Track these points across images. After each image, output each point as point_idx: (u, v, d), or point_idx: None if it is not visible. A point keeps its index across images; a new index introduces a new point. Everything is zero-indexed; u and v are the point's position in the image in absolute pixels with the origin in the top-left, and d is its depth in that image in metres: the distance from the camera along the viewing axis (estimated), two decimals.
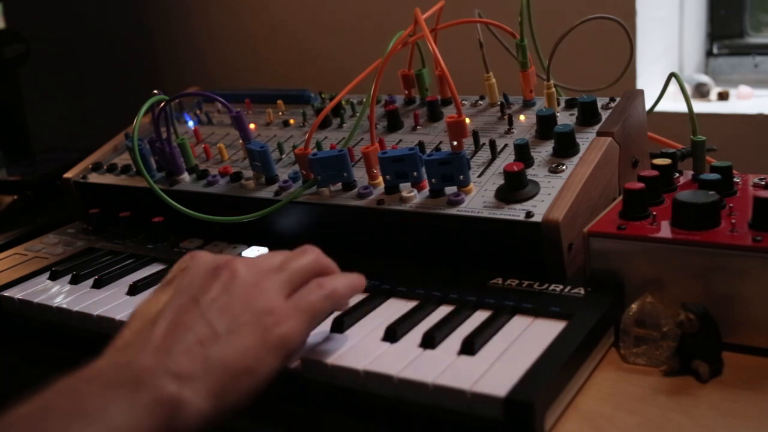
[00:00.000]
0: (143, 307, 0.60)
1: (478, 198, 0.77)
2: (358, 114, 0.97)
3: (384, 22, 1.47)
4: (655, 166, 0.77)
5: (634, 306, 0.66)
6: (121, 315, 0.75)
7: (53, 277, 0.87)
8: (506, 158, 0.82)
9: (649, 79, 1.37)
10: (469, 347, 0.62)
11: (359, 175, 0.85)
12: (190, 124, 1.09)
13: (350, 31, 1.57)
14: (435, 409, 0.58)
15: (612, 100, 0.86)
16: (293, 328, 0.58)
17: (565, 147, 0.80)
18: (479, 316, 0.68)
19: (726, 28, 1.51)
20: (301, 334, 0.59)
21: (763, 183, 0.78)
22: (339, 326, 0.67)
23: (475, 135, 0.85)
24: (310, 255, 0.64)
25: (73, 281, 0.85)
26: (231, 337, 0.55)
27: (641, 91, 0.87)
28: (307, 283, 0.62)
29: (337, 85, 0.89)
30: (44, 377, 0.53)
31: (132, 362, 0.53)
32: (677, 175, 0.82)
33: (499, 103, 0.93)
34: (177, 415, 0.51)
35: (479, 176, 0.80)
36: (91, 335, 0.77)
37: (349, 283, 0.65)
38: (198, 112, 1.12)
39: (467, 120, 0.84)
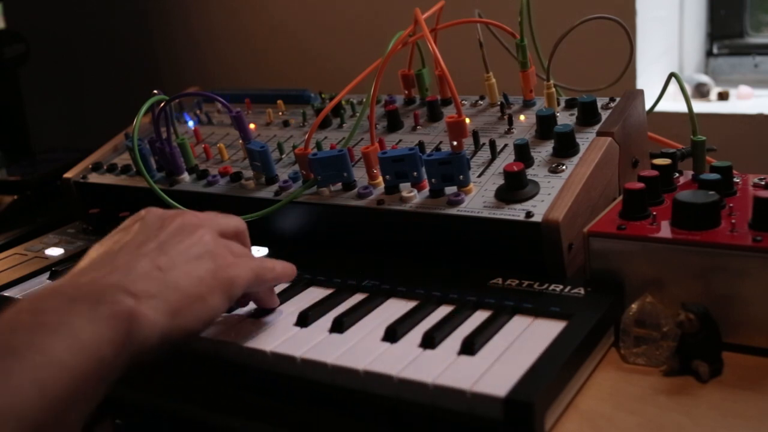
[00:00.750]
0: (101, 243, 0.63)
1: (478, 198, 0.77)
2: (358, 114, 0.97)
3: (384, 22, 1.47)
4: (655, 166, 0.77)
5: (634, 306, 0.66)
6: None
7: (53, 277, 0.87)
8: (506, 158, 0.82)
9: (649, 79, 1.37)
10: (469, 347, 0.62)
11: (359, 175, 0.85)
12: (190, 124, 1.09)
13: (350, 31, 1.57)
14: (435, 409, 0.58)
15: (612, 100, 0.86)
16: (241, 274, 0.63)
17: (565, 147, 0.80)
18: (479, 316, 0.68)
19: (726, 28, 1.51)
20: (246, 283, 0.64)
21: (763, 183, 0.78)
22: (339, 326, 0.67)
23: (475, 135, 0.85)
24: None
25: None
26: (187, 267, 0.60)
27: (641, 91, 0.87)
28: None
29: (337, 85, 0.89)
30: None
31: (92, 281, 0.57)
32: (677, 175, 0.82)
33: (499, 103, 0.93)
34: (135, 327, 0.54)
35: (479, 176, 0.80)
36: None
37: (285, 271, 0.70)
38: (198, 112, 1.12)
39: (467, 120, 0.84)
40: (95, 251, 0.63)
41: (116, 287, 0.56)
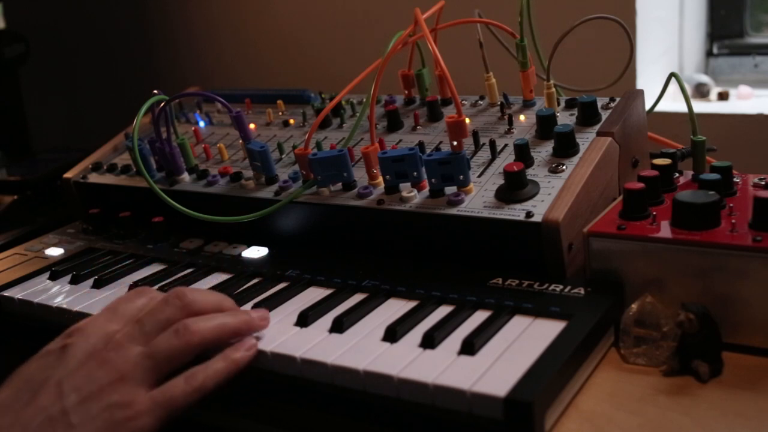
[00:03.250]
0: (25, 368, 0.63)
1: (478, 198, 0.77)
2: (358, 114, 0.97)
3: (384, 22, 1.47)
4: (655, 166, 0.77)
5: (634, 306, 0.66)
6: None
7: (53, 277, 0.87)
8: (506, 158, 0.82)
9: (649, 79, 1.37)
10: (469, 347, 0.62)
11: (359, 175, 0.85)
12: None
13: (350, 32, 1.57)
14: (435, 409, 0.58)
15: (612, 100, 0.86)
16: (146, 426, 0.60)
17: (565, 147, 0.80)
18: (479, 316, 0.68)
19: (726, 28, 1.51)
20: (154, 429, 0.60)
21: (763, 183, 0.78)
22: (339, 326, 0.67)
23: (475, 135, 0.85)
24: (181, 335, 0.63)
25: (73, 281, 0.85)
26: (80, 427, 0.58)
27: (641, 91, 0.87)
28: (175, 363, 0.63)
29: (337, 85, 0.89)
30: None
31: None
32: (677, 175, 0.82)
33: (499, 103, 0.93)
34: None
35: (479, 176, 0.80)
36: None
37: (217, 373, 0.63)
38: (198, 112, 1.12)
39: (467, 120, 0.84)
40: (18, 376, 0.62)
41: None
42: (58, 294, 0.83)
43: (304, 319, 0.69)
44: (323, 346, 0.65)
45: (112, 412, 0.59)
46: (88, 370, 0.61)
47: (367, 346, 0.64)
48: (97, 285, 0.83)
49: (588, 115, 0.83)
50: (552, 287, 0.70)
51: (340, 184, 0.84)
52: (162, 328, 0.64)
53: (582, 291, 0.69)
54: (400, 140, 0.91)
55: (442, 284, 0.73)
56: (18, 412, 0.59)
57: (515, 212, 0.73)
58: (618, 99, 0.86)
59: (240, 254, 0.86)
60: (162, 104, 0.92)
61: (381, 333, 0.66)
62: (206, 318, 0.65)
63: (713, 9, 1.51)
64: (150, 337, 0.63)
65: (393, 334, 0.65)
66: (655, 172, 0.74)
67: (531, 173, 0.78)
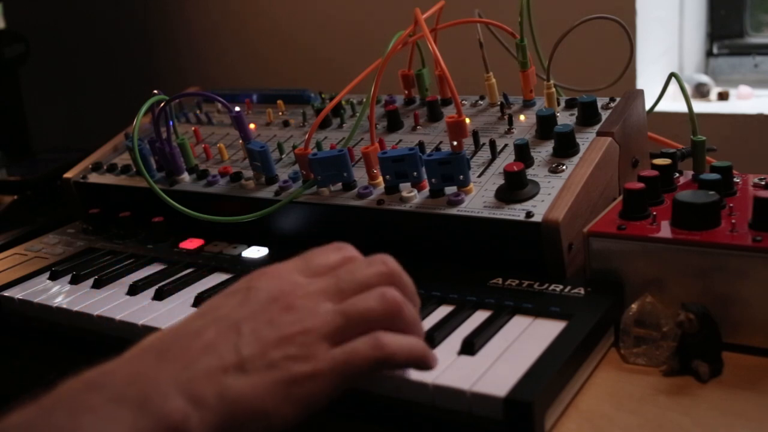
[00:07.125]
0: (201, 309, 0.58)
1: (478, 198, 0.77)
2: (358, 114, 0.97)
3: (384, 22, 1.47)
4: (655, 166, 0.77)
5: (634, 306, 0.66)
6: (120, 315, 0.75)
7: (53, 277, 0.87)
8: (506, 158, 0.82)
9: (649, 79, 1.37)
10: (469, 347, 0.62)
11: (359, 175, 0.85)
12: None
13: (350, 31, 1.57)
14: (435, 408, 0.58)
15: (612, 100, 0.86)
16: (322, 388, 0.53)
17: (565, 147, 0.80)
18: (479, 316, 0.68)
19: (726, 28, 1.51)
20: (329, 395, 0.54)
21: (763, 183, 0.78)
22: None
23: (475, 135, 0.85)
24: (386, 296, 0.56)
25: (73, 281, 0.85)
26: (255, 374, 0.51)
27: (641, 91, 0.87)
28: (367, 331, 0.55)
29: (337, 85, 0.89)
30: (44, 377, 0.53)
31: (146, 373, 0.50)
32: (677, 175, 0.82)
33: (499, 103, 0.93)
34: None
35: (479, 176, 0.80)
36: (91, 335, 0.77)
37: (408, 350, 0.56)
38: (198, 112, 1.12)
39: (467, 120, 0.84)
40: (191, 317, 0.56)
41: (169, 386, 0.49)
42: (58, 294, 0.83)
43: None
44: None
45: (290, 365, 0.52)
46: (270, 315, 0.54)
47: None
48: (97, 285, 0.83)
49: (588, 115, 0.83)
50: (552, 287, 0.70)
51: (340, 184, 0.84)
52: (359, 289, 0.57)
53: (582, 291, 0.69)
54: (400, 140, 0.91)
55: (442, 284, 0.73)
56: (189, 343, 0.52)
57: (515, 212, 0.73)
58: (618, 99, 0.86)
59: (240, 254, 0.86)
60: (162, 104, 0.92)
61: None
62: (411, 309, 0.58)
63: (713, 9, 1.51)
64: (345, 295, 0.57)
65: None
66: (655, 172, 0.74)
67: (531, 173, 0.78)
